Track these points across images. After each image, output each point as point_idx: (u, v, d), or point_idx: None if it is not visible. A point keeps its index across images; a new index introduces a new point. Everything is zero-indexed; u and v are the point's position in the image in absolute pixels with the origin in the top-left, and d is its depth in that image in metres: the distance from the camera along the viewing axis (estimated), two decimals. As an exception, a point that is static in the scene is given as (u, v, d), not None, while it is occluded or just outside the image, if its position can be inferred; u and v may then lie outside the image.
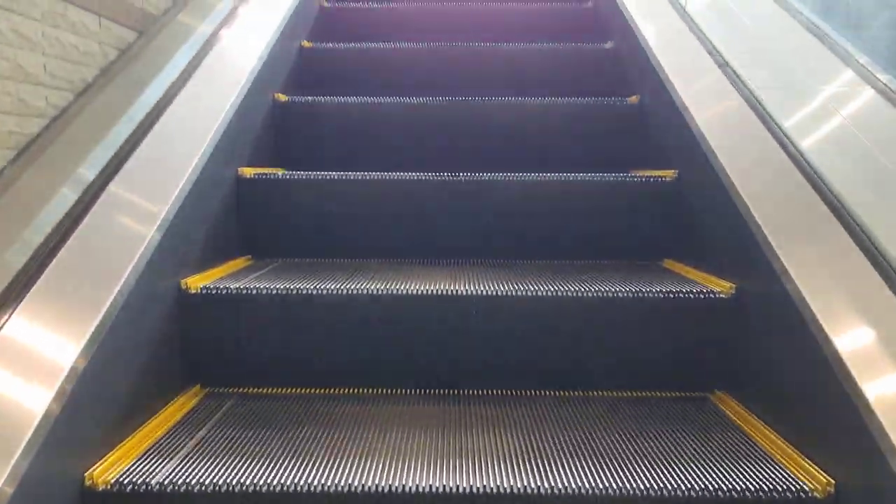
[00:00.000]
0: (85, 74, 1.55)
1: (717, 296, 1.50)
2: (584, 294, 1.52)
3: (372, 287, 1.54)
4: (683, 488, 1.09)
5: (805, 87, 1.48)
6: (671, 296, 1.51)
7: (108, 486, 1.09)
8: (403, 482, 1.11)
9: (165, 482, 1.10)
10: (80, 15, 1.52)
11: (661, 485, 1.10)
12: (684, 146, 1.85)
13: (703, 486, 1.09)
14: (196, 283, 1.53)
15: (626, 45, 2.62)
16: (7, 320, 1.07)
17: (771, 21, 1.91)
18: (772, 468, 1.16)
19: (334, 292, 1.52)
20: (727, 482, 1.10)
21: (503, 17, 3.19)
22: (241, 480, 1.11)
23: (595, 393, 1.55)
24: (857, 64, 1.36)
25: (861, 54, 1.36)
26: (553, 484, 1.10)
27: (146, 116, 1.65)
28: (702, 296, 1.51)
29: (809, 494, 1.08)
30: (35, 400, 0.99)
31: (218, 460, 1.19)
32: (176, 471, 1.14)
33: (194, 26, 2.04)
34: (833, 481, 1.08)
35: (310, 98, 2.42)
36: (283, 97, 2.38)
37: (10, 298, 1.10)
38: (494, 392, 1.55)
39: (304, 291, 1.53)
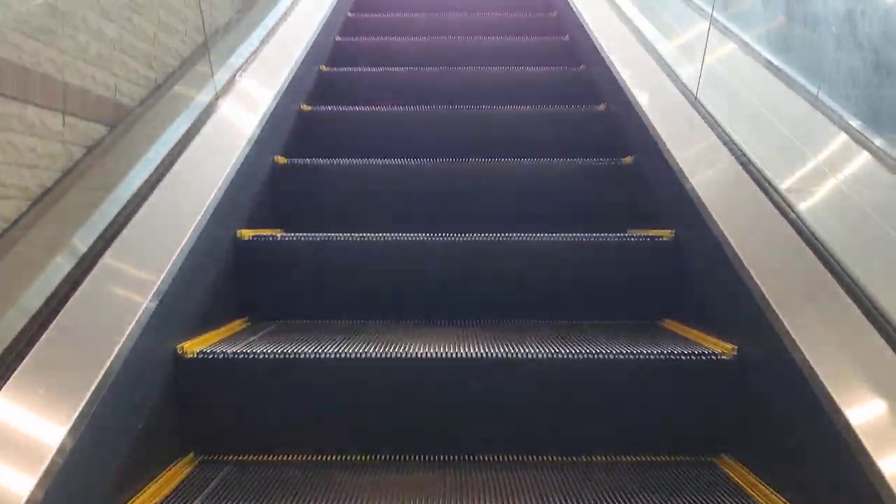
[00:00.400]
0: (44, 179, 1.40)
1: (718, 357, 1.49)
2: (584, 356, 1.51)
3: (370, 351, 1.52)
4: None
5: (801, 151, 1.50)
6: (672, 357, 1.49)
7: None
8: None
9: (156, 559, 1.06)
10: (41, 115, 1.38)
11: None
12: (681, 207, 1.86)
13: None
14: (192, 347, 1.51)
15: (619, 107, 2.67)
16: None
17: (764, 86, 1.95)
18: (783, 538, 1.13)
19: (332, 357, 1.50)
20: (738, 554, 1.07)
21: (495, 80, 3.27)
22: (235, 557, 1.07)
23: (599, 458, 1.51)
24: (851, 128, 1.38)
25: (853, 118, 1.39)
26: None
27: (141, 187, 1.63)
28: (703, 357, 1.49)
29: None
30: (20, 479, 0.96)
31: (211, 535, 1.15)
32: (167, 547, 1.10)
33: (191, 96, 2.06)
34: (847, 552, 1.05)
35: (308, 160, 2.45)
36: (282, 160, 2.41)
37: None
38: (494, 458, 1.52)
39: (302, 356, 1.51)
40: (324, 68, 3.32)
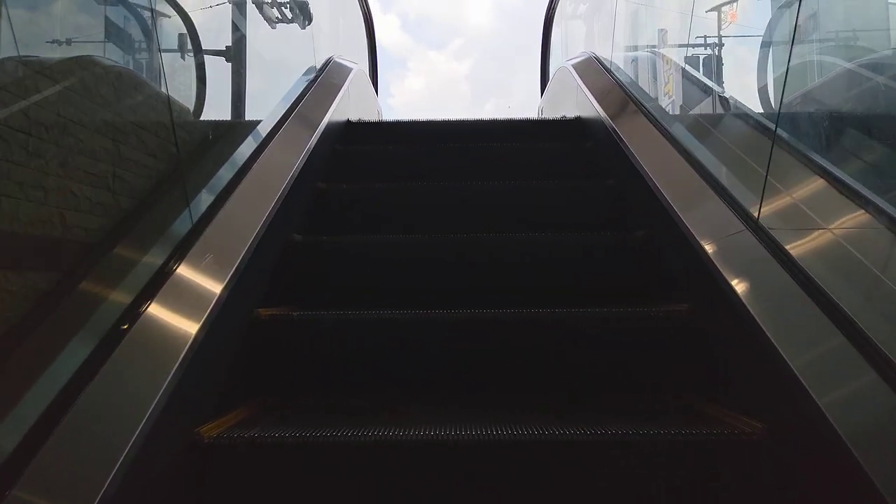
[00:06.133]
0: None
1: (746, 437, 1.45)
2: (604, 436, 1.47)
3: (391, 433, 1.48)
4: None
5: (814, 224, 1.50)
6: (695, 435, 1.46)
7: None
8: None
9: None
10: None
11: None
12: (698, 280, 1.85)
13: None
14: (210, 431, 1.48)
15: (628, 182, 2.70)
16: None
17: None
18: None
19: (352, 441, 1.47)
20: None
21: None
22: None
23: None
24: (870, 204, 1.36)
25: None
26: None
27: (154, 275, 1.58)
28: (728, 435, 1.45)
29: None
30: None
31: None
32: None
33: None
34: None
35: (323, 237, 2.48)
36: (297, 237, 2.43)
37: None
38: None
39: (318, 440, 1.48)
40: (337, 147, 3.40)
